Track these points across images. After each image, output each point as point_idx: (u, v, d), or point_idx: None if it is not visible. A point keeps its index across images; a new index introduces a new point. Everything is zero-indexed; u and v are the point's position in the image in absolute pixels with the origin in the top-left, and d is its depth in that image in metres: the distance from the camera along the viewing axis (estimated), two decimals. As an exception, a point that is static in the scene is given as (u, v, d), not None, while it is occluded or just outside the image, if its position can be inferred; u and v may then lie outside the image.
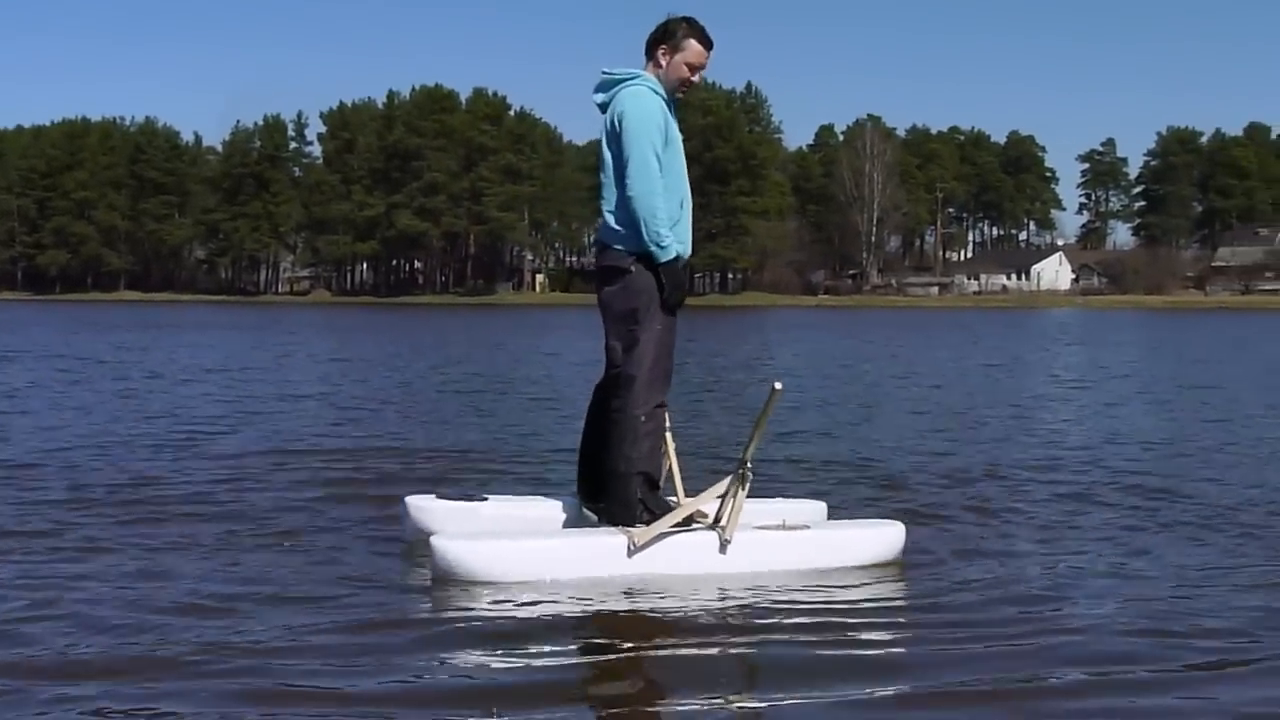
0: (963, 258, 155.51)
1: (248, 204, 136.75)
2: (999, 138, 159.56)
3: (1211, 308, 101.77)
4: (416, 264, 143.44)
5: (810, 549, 6.28)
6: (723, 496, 6.12)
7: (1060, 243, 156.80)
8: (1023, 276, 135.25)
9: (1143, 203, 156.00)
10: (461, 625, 5.27)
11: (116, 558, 6.31)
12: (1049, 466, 9.95)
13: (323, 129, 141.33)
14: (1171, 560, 6.56)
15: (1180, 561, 6.53)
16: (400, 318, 64.26)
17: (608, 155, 6.26)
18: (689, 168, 6.37)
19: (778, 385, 5.86)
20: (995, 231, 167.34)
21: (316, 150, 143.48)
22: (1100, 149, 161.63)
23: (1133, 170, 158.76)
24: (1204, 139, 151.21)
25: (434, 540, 5.95)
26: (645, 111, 6.18)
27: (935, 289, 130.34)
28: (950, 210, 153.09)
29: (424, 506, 6.68)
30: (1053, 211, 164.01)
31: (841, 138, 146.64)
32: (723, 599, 5.72)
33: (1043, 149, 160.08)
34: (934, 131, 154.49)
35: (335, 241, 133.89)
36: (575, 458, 6.70)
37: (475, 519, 6.58)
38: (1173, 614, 5.43)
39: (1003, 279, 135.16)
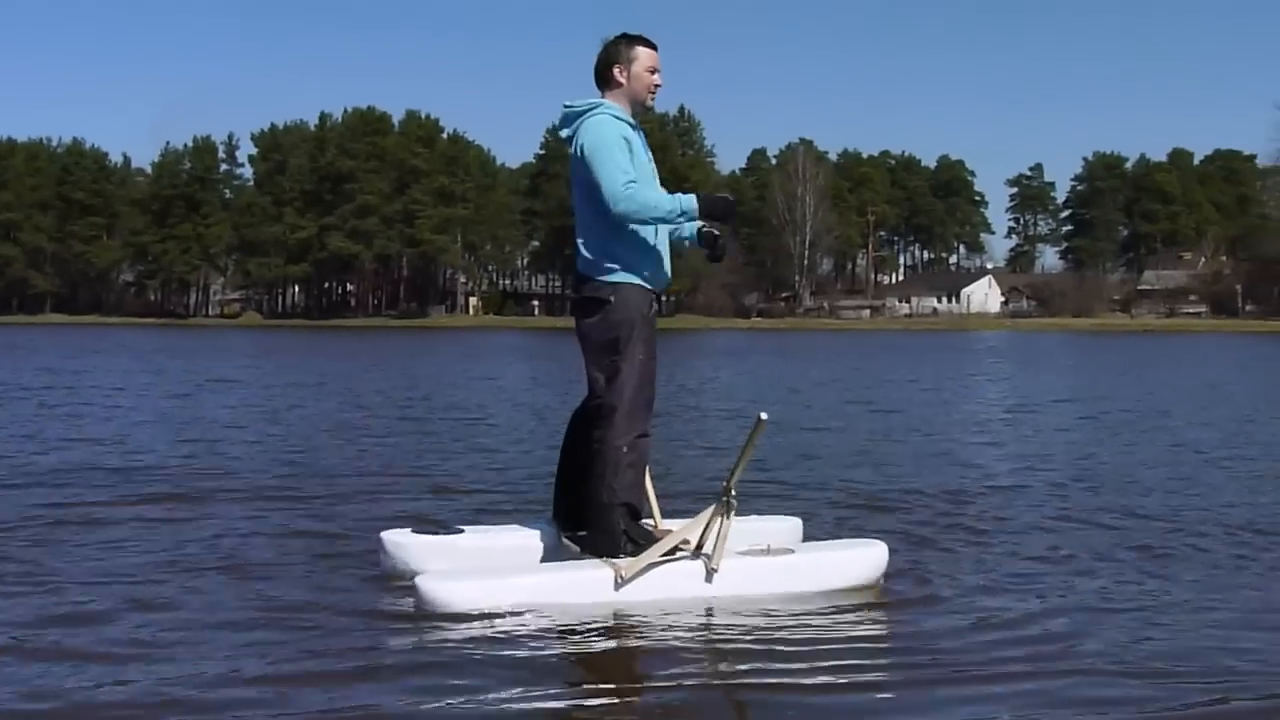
0: (894, 280, 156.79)
1: (177, 226, 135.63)
2: (929, 162, 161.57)
3: (1137, 330, 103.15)
4: (349, 286, 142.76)
5: (795, 574, 6.25)
6: (707, 525, 6.06)
7: (989, 266, 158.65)
8: (953, 299, 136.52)
9: (1070, 227, 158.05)
10: (447, 663, 5.16)
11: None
12: (1015, 487, 10.02)
13: (254, 150, 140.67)
14: (1156, 588, 6.51)
15: (1168, 590, 6.48)
16: (333, 340, 63.77)
17: (579, 187, 6.24)
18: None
19: (764, 415, 5.82)
20: (926, 255, 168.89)
21: (248, 172, 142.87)
22: (1028, 173, 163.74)
23: (1060, 195, 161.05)
24: (1129, 164, 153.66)
25: (419, 581, 5.87)
26: (605, 131, 6.17)
27: (867, 312, 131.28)
28: (881, 233, 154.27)
29: (401, 542, 6.55)
30: (982, 235, 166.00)
31: (774, 161, 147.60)
32: (710, 630, 5.69)
33: (972, 173, 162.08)
34: (865, 155, 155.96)
35: (266, 264, 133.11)
36: (541, 483, 6.72)
37: (454, 552, 6.48)
38: (1168, 651, 5.33)
39: (933, 301, 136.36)
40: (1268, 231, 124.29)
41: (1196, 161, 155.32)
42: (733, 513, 6.00)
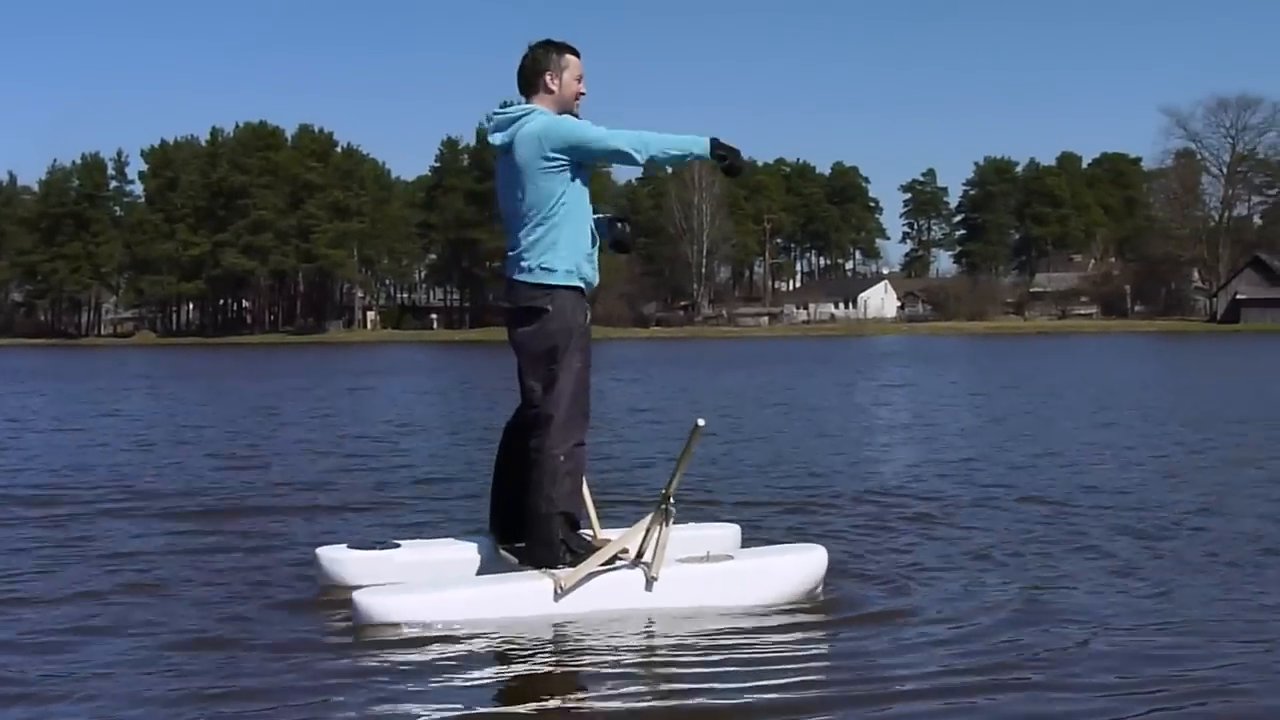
0: (791, 287, 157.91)
1: (66, 244, 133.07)
2: (824, 169, 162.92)
3: (1031, 333, 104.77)
4: (244, 303, 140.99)
5: (735, 580, 6.21)
6: (646, 532, 6.04)
7: (885, 271, 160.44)
8: (850, 305, 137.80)
9: (963, 231, 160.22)
10: (384, 680, 5.12)
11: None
12: (941, 491, 10.12)
13: (144, 167, 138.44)
14: (1099, 588, 6.58)
15: (1106, 589, 6.55)
16: (228, 357, 62.99)
17: (516, 193, 6.18)
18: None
19: (701, 421, 5.79)
20: (822, 261, 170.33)
21: (138, 189, 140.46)
22: (921, 179, 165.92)
23: (953, 199, 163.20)
24: (1019, 168, 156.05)
25: (357, 596, 5.81)
26: (562, 119, 6.17)
27: (765, 319, 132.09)
28: (778, 241, 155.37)
29: (336, 557, 6.50)
30: (877, 241, 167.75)
31: (670, 170, 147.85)
32: (650, 639, 5.68)
33: (866, 179, 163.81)
34: (760, 163, 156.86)
35: (159, 281, 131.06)
36: (459, 499, 6.67)
37: (390, 566, 6.41)
38: (1115, 654, 5.35)
39: (830, 308, 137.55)
40: (1154, 233, 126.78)
41: (1085, 165, 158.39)
42: (671, 520, 5.99)
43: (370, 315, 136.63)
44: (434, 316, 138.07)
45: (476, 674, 5.22)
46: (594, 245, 6.30)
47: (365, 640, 5.63)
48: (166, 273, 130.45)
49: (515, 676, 5.21)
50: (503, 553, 6.43)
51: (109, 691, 4.90)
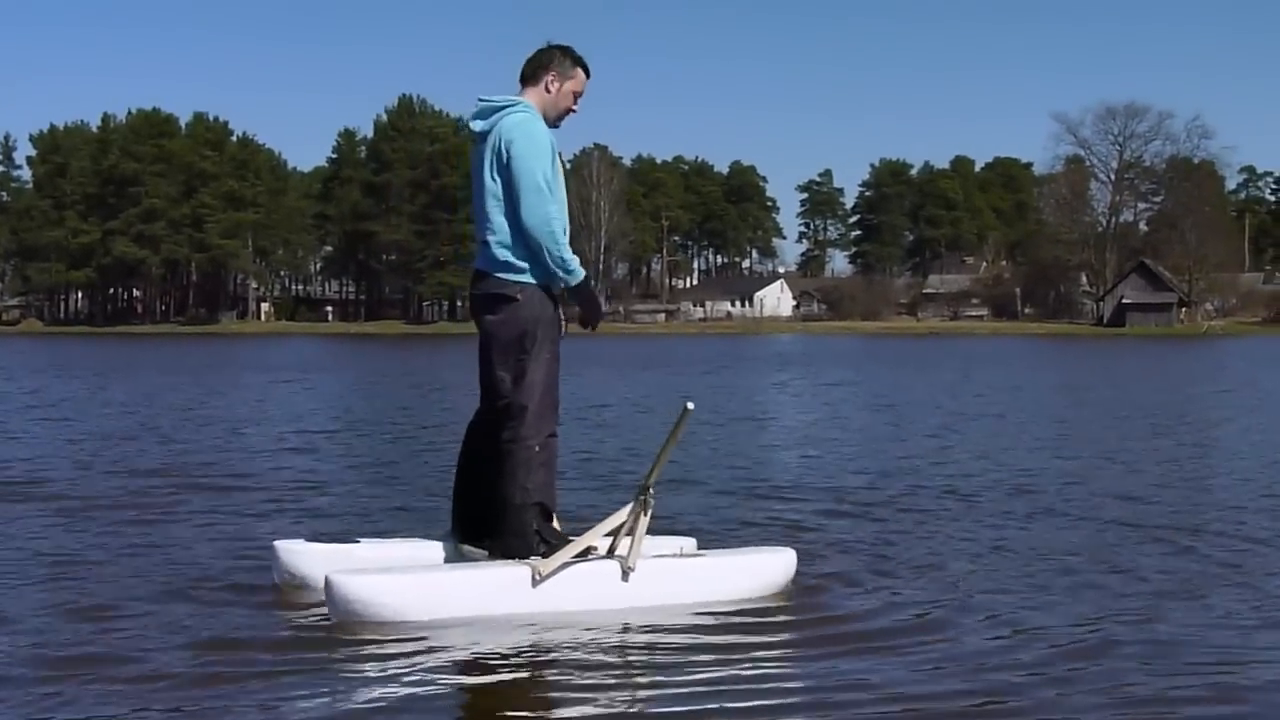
0: (688, 285, 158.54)
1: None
2: (722, 167, 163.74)
3: (923, 333, 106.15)
4: (135, 292, 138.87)
5: (708, 576, 6.25)
6: (624, 523, 5.99)
7: (781, 270, 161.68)
8: (746, 303, 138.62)
9: (858, 232, 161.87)
10: (356, 665, 5.12)
11: None
12: (881, 488, 10.27)
13: (33, 152, 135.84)
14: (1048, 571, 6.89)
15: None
16: (123, 347, 62.02)
17: (490, 183, 6.09)
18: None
19: (690, 405, 5.75)
20: (720, 259, 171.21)
21: (26, 174, 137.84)
22: (818, 179, 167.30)
23: (849, 200, 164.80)
24: (914, 171, 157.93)
25: (331, 576, 5.68)
26: (534, 139, 6.06)
27: (662, 316, 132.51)
28: (675, 238, 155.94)
29: (296, 550, 6.39)
30: (774, 240, 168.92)
31: (569, 166, 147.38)
32: (625, 631, 5.67)
33: (764, 179, 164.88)
34: (659, 161, 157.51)
35: (47, 269, 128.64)
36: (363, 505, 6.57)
37: (351, 562, 6.21)
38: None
39: (727, 305, 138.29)
40: (1044, 237, 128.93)
41: (978, 169, 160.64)
42: (650, 511, 5.95)
43: (264, 307, 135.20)
44: (329, 309, 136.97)
45: (449, 658, 5.24)
46: (564, 235, 6.16)
47: (335, 624, 5.62)
48: (54, 260, 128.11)
49: (489, 664, 5.21)
50: (465, 550, 6.33)
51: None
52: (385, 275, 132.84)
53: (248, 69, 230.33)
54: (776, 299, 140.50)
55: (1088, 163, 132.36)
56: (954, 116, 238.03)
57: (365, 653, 5.30)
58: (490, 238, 6.12)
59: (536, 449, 6.07)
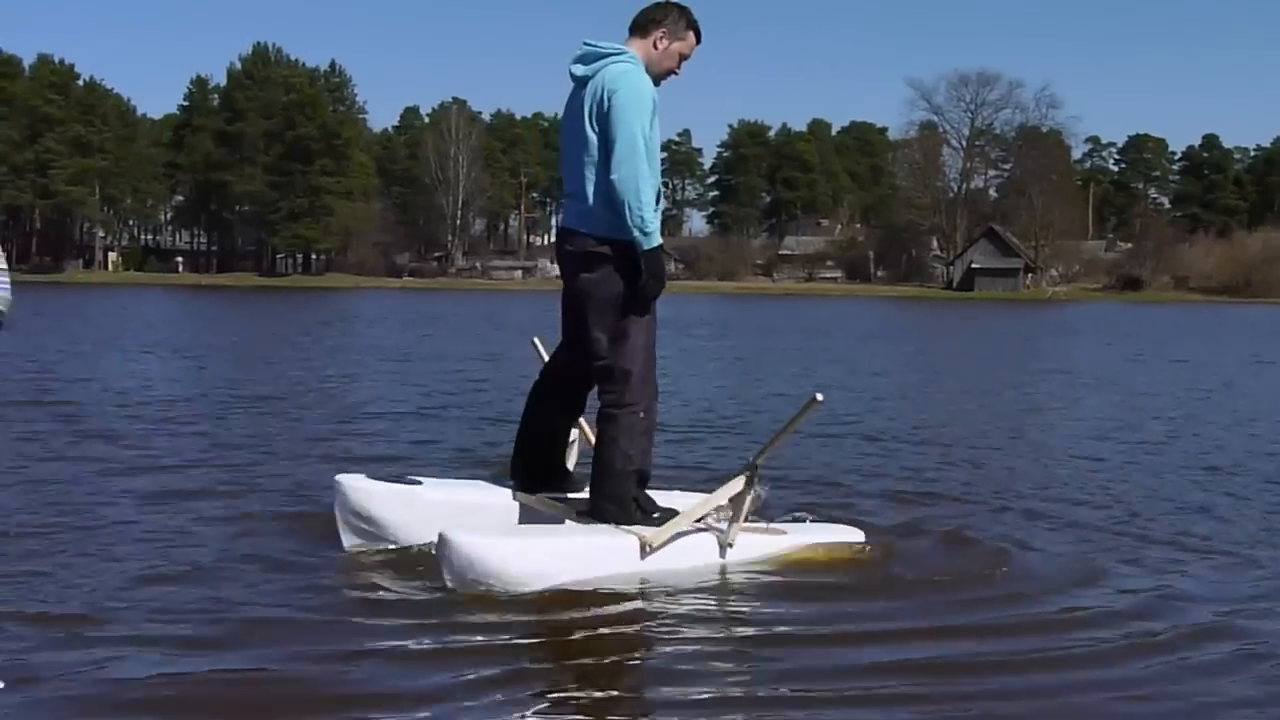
0: (546, 242, 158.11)
1: None
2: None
3: (779, 294, 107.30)
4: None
5: (791, 551, 6.38)
6: (731, 498, 6.02)
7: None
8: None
9: (716, 192, 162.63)
10: (468, 635, 5.15)
11: None
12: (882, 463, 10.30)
13: None
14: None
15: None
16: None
17: (590, 133, 5.89)
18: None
19: (819, 396, 5.72)
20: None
21: None
22: (677, 139, 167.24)
23: (707, 161, 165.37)
24: (772, 133, 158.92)
25: (449, 534, 5.59)
26: (639, 92, 5.87)
27: (519, 273, 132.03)
28: (534, 195, 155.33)
29: (360, 487, 6.27)
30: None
31: (427, 120, 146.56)
32: (723, 604, 5.75)
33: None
34: (518, 117, 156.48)
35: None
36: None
37: (417, 503, 6.23)
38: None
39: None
40: (898, 202, 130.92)
41: (834, 132, 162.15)
42: (756, 487, 5.99)
43: (111, 256, 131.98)
44: (179, 259, 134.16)
45: (560, 625, 5.29)
46: (658, 199, 5.98)
47: (450, 586, 5.61)
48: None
49: (602, 632, 5.27)
50: (526, 500, 6.30)
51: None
52: (238, 226, 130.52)
53: (95, 10, 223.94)
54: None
55: (940, 129, 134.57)
56: (812, 79, 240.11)
57: (476, 620, 5.31)
58: (587, 191, 5.91)
59: (641, 415, 5.98)
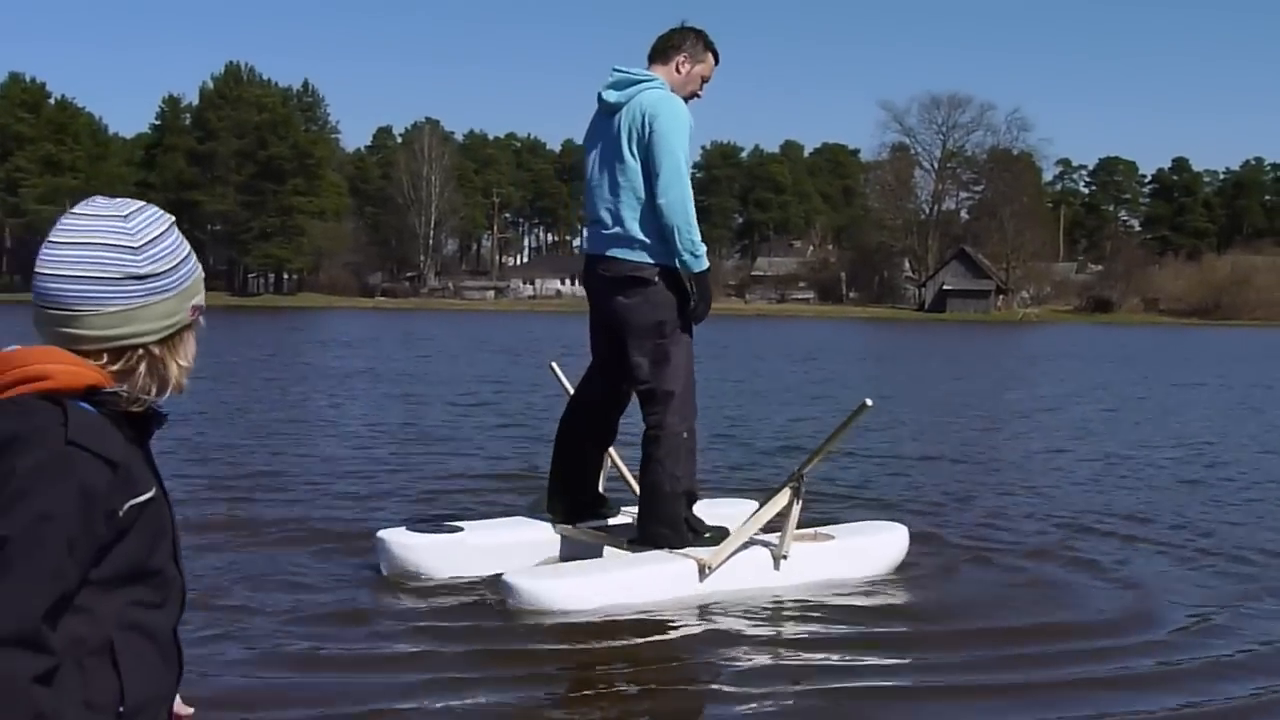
0: (518, 262, 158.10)
1: None
2: (554, 145, 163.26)
3: (751, 315, 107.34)
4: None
5: (841, 557, 6.45)
6: (781, 511, 6.04)
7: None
8: (576, 282, 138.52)
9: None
10: (534, 663, 5.19)
11: None
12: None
13: None
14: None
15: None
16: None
17: (630, 159, 5.88)
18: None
19: (869, 401, 5.73)
20: (550, 237, 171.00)
21: None
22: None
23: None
24: (744, 154, 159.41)
25: (508, 578, 5.64)
26: (678, 117, 5.92)
27: (491, 293, 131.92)
28: (507, 215, 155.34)
29: (403, 542, 6.23)
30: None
31: (400, 140, 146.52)
32: (779, 618, 5.84)
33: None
34: (491, 137, 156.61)
35: None
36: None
37: (461, 550, 6.22)
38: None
39: (557, 284, 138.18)
40: (869, 223, 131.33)
41: (807, 154, 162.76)
42: (800, 498, 5.98)
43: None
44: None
45: (623, 653, 5.32)
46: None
47: (514, 620, 5.59)
48: None
49: (667, 658, 5.33)
50: (569, 532, 6.31)
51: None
52: (210, 246, 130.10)
53: (67, 29, 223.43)
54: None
55: (912, 151, 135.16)
56: (784, 101, 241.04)
57: (543, 648, 5.34)
58: (624, 215, 5.92)
59: (685, 436, 5.98)
